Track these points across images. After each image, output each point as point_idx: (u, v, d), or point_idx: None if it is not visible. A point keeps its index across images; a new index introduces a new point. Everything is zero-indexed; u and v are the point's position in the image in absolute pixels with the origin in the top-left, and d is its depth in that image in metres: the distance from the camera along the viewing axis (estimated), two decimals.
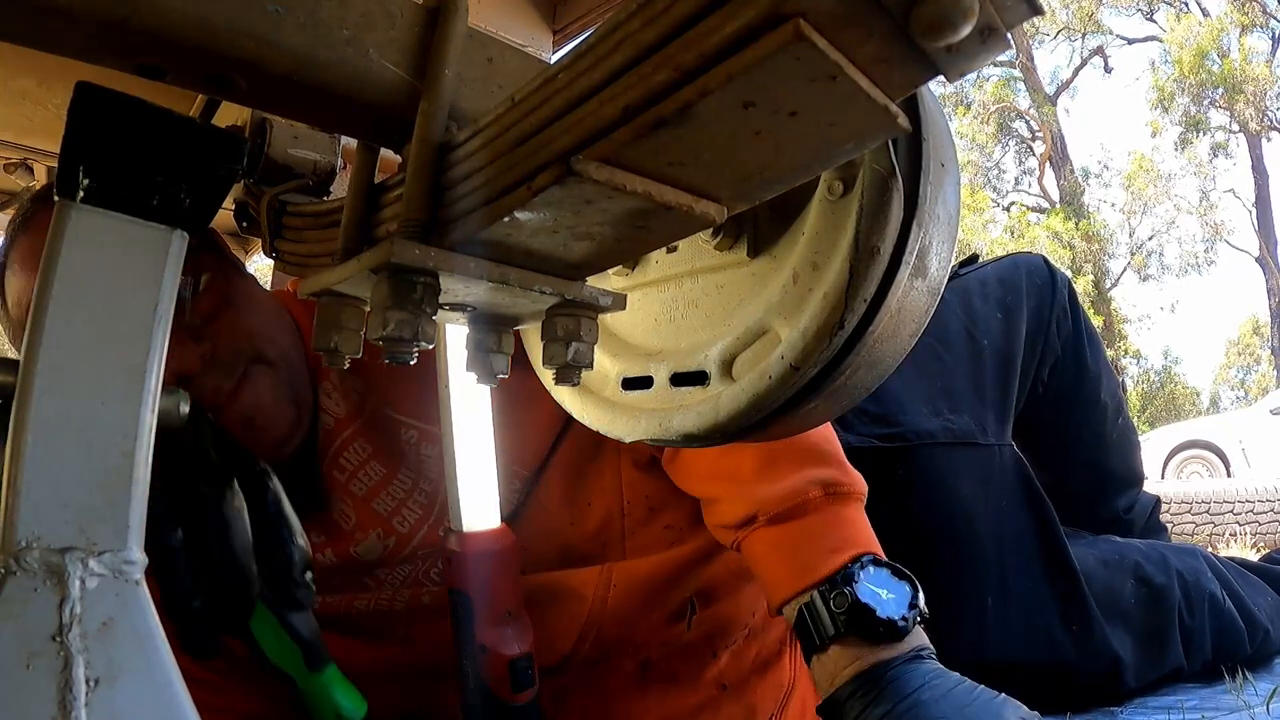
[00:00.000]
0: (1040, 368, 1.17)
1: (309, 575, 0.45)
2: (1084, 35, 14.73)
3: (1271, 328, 13.76)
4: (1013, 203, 15.67)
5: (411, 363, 0.32)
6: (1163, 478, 5.64)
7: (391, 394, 0.68)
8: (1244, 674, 0.94)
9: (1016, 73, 14.74)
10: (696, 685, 0.67)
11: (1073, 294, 1.22)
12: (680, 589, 0.66)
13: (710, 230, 0.42)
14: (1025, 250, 1.50)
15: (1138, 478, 1.27)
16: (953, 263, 0.39)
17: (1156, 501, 1.28)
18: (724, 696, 0.67)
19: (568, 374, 0.36)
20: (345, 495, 0.65)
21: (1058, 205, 14.68)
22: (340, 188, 0.44)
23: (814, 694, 0.73)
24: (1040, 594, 0.90)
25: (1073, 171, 14.89)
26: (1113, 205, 15.61)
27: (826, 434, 0.65)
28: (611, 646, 0.64)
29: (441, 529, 0.66)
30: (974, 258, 1.23)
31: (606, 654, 0.65)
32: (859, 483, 0.64)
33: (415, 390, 0.59)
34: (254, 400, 0.61)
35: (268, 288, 0.76)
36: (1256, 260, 13.95)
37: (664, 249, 0.47)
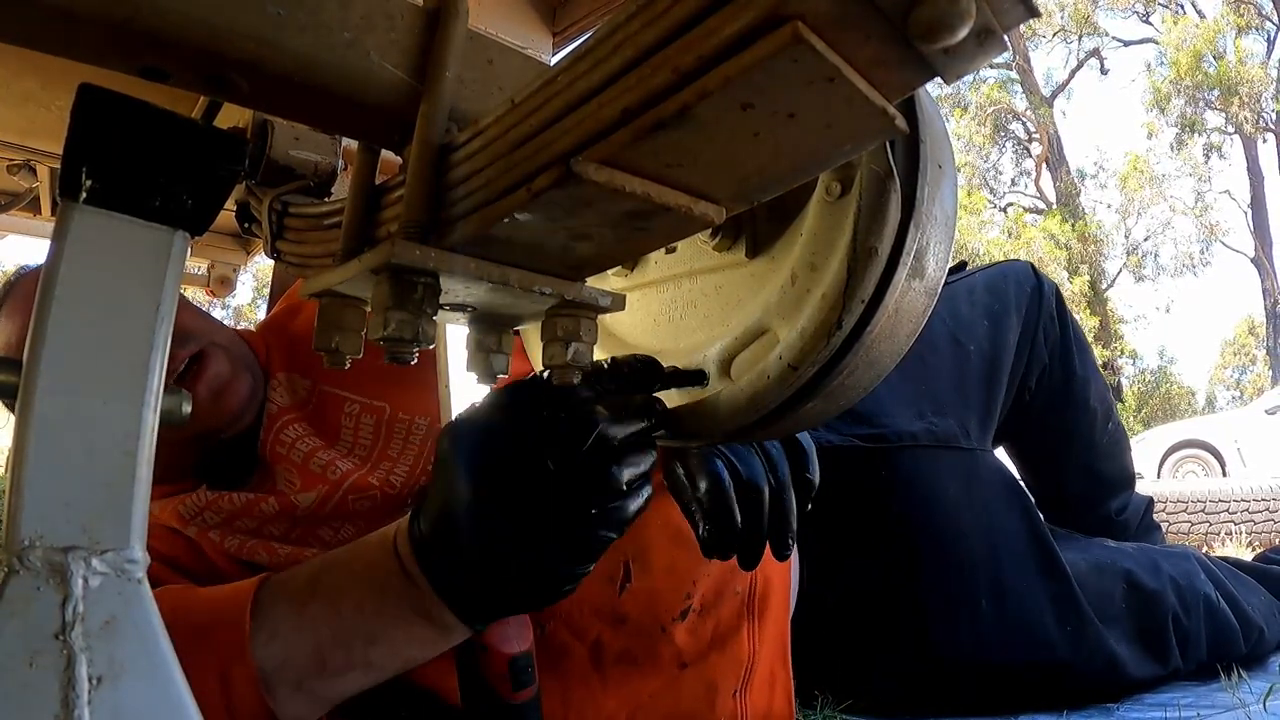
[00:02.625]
0: (1027, 376, 1.18)
1: None
2: (1080, 37, 14.78)
3: (1267, 328, 13.82)
4: (1009, 204, 15.72)
5: (412, 362, 0.33)
6: (1159, 477, 5.66)
7: (337, 376, 0.76)
8: (1239, 672, 0.94)
9: (1013, 74, 14.78)
10: (656, 666, 0.67)
11: (1060, 300, 1.22)
12: (611, 549, 0.67)
13: (709, 231, 0.42)
14: (1013, 258, 1.49)
15: (1129, 479, 1.28)
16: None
17: (1149, 502, 1.28)
18: (684, 675, 0.67)
19: (567, 374, 0.36)
20: (288, 465, 0.72)
21: (1054, 206, 14.72)
22: (341, 189, 0.44)
23: (780, 668, 0.74)
24: (1034, 595, 0.90)
25: (1069, 173, 14.93)
26: (1109, 206, 15.66)
27: None
28: (544, 614, 0.65)
29: (375, 478, 0.69)
30: (961, 265, 1.24)
31: (540, 622, 0.65)
32: None
33: (358, 369, 0.62)
34: (216, 372, 0.70)
35: (268, 288, 0.84)
36: (1252, 261, 14.01)
37: (663, 250, 0.48)
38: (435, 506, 0.42)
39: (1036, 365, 1.18)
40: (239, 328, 0.93)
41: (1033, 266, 1.25)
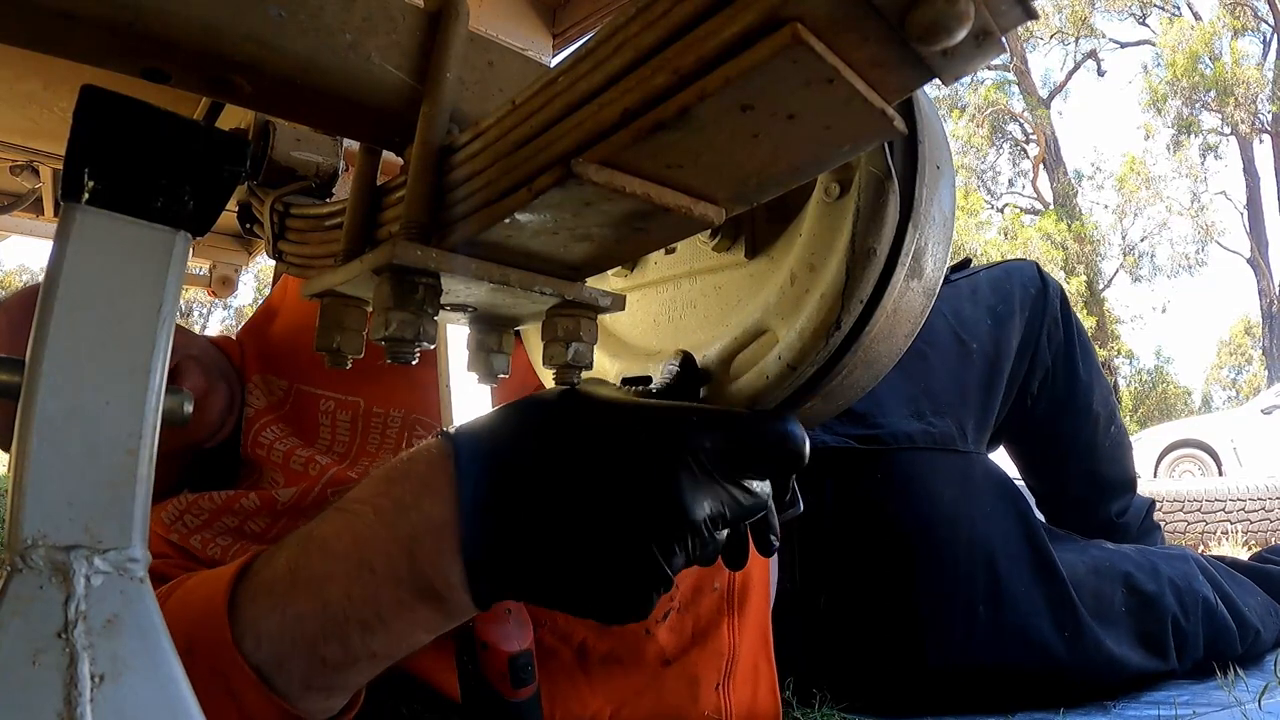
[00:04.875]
0: (1029, 379, 1.17)
1: None
2: (1077, 39, 14.83)
3: (1263, 328, 13.85)
4: (1006, 204, 15.75)
5: (413, 362, 0.33)
6: (1155, 476, 5.67)
7: (311, 373, 0.77)
8: (1235, 670, 0.94)
9: (1010, 76, 14.82)
10: (640, 664, 0.67)
11: (1065, 302, 1.21)
12: None
13: (708, 232, 0.42)
14: (1018, 257, 1.47)
15: (1131, 483, 1.27)
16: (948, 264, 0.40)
17: (1150, 504, 1.28)
18: (667, 672, 0.68)
19: (567, 374, 0.36)
20: (270, 465, 0.72)
21: (1051, 207, 14.75)
22: (343, 190, 0.44)
23: (764, 661, 0.74)
24: (1031, 598, 0.90)
25: (1066, 174, 14.97)
26: (1105, 207, 15.72)
27: None
28: (533, 620, 0.65)
29: (355, 473, 0.69)
30: (966, 262, 1.23)
31: (535, 626, 0.65)
32: None
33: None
34: (191, 384, 0.70)
35: (269, 289, 0.86)
36: (1248, 261, 14.05)
37: (663, 250, 0.48)
38: (570, 503, 0.35)
39: (1040, 369, 1.17)
40: (215, 335, 0.94)
41: (1038, 266, 1.22)
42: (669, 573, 0.35)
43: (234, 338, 0.86)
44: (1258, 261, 13.72)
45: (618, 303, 0.36)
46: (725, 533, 0.37)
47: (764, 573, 0.77)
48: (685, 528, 0.34)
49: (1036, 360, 1.16)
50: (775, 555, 0.84)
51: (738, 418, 0.37)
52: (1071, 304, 1.24)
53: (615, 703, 0.66)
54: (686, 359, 0.41)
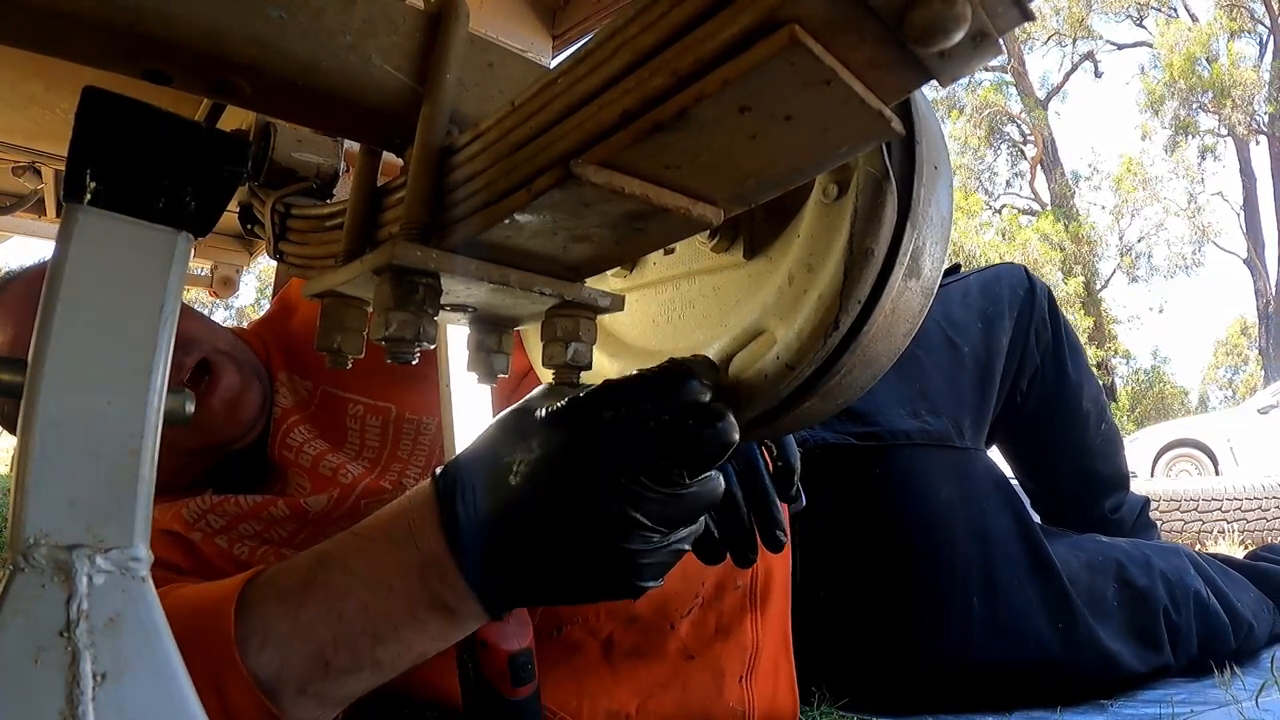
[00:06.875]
0: (1019, 378, 1.18)
1: None
2: (1074, 40, 14.86)
3: (1259, 328, 13.88)
4: (1004, 205, 15.77)
5: (413, 362, 0.33)
6: (1152, 476, 5.68)
7: (338, 375, 0.76)
8: (1231, 668, 0.95)
9: (1008, 77, 14.85)
10: (663, 658, 0.68)
11: (1053, 303, 1.23)
12: None
13: (707, 232, 0.42)
14: (1008, 260, 1.48)
15: (1124, 479, 1.29)
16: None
17: (1145, 502, 1.29)
18: (691, 665, 0.69)
19: (566, 374, 0.36)
20: (297, 469, 0.71)
21: (1048, 208, 14.78)
22: (343, 191, 0.45)
23: (783, 658, 0.75)
24: (1026, 593, 0.91)
25: (1063, 174, 15.00)
26: (1103, 208, 15.75)
27: None
28: (563, 616, 0.65)
29: (387, 481, 0.69)
30: (956, 267, 1.25)
31: (559, 624, 0.65)
32: None
33: (361, 371, 0.62)
34: (229, 383, 0.69)
35: (271, 289, 0.84)
36: (1244, 262, 14.08)
37: (662, 251, 0.48)
38: (534, 508, 0.38)
39: (1029, 367, 1.19)
40: (231, 326, 0.92)
41: (1026, 270, 1.25)
42: (648, 563, 0.38)
43: (250, 330, 0.84)
44: (1254, 262, 13.75)
45: (617, 303, 0.37)
46: (685, 533, 0.39)
47: (785, 571, 0.78)
48: (634, 525, 0.37)
49: (1026, 358, 1.18)
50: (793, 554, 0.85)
51: (635, 379, 0.38)
52: (1060, 305, 1.25)
53: (641, 695, 0.67)
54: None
